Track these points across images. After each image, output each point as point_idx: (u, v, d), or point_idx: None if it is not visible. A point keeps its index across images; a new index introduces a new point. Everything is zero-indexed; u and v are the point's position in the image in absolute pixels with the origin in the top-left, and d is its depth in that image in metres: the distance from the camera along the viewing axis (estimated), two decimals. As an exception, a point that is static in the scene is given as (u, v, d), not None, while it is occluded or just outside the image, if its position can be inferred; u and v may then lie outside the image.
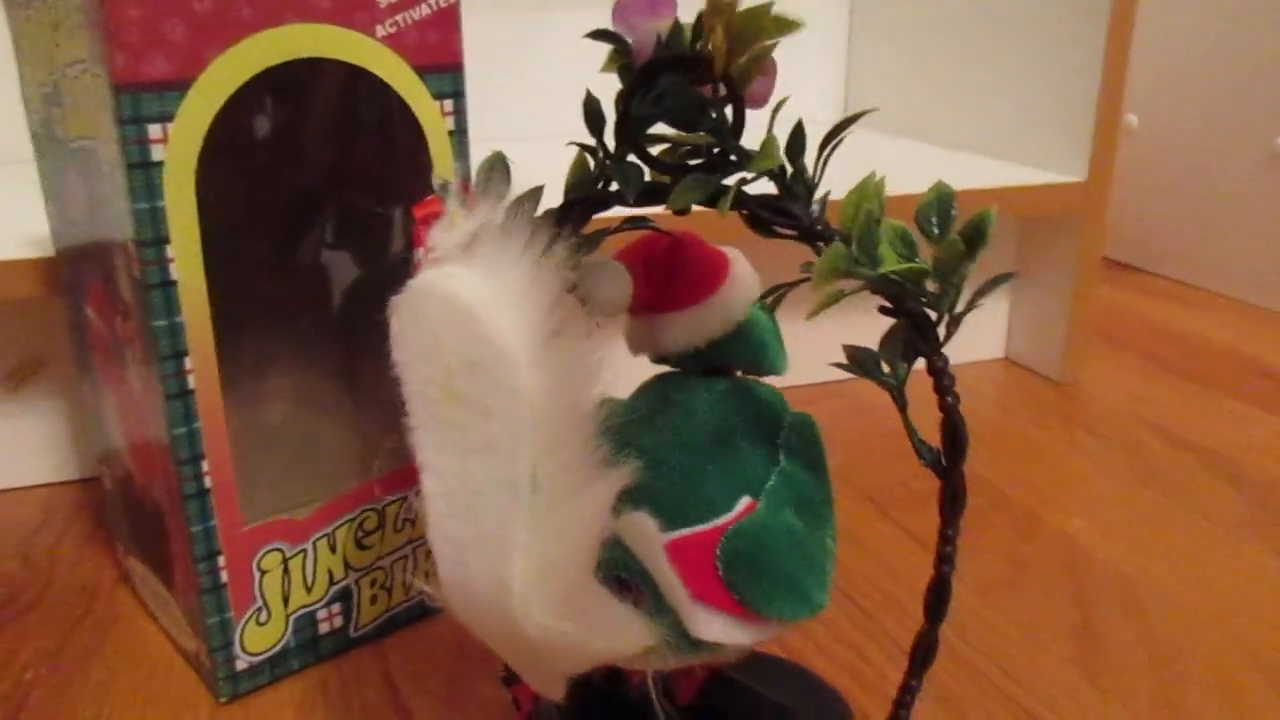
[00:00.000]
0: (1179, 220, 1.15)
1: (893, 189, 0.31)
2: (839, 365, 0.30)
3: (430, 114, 0.45)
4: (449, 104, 0.46)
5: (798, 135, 0.30)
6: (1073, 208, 0.81)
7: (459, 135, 0.47)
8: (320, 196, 0.54)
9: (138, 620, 0.54)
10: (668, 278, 0.36)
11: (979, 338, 0.91)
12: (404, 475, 0.51)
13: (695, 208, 0.30)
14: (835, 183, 0.31)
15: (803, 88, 1.05)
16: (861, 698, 0.47)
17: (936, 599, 0.33)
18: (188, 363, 0.42)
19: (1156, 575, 0.58)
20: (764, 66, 0.29)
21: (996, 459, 0.72)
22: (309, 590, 0.49)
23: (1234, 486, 0.68)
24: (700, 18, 0.28)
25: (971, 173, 0.82)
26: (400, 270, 0.30)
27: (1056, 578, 0.58)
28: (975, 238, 0.28)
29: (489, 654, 0.50)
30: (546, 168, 0.34)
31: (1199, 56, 1.09)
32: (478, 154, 0.40)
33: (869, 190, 0.28)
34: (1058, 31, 0.80)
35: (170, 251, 0.40)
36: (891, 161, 0.86)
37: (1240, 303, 1.08)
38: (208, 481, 0.44)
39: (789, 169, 0.30)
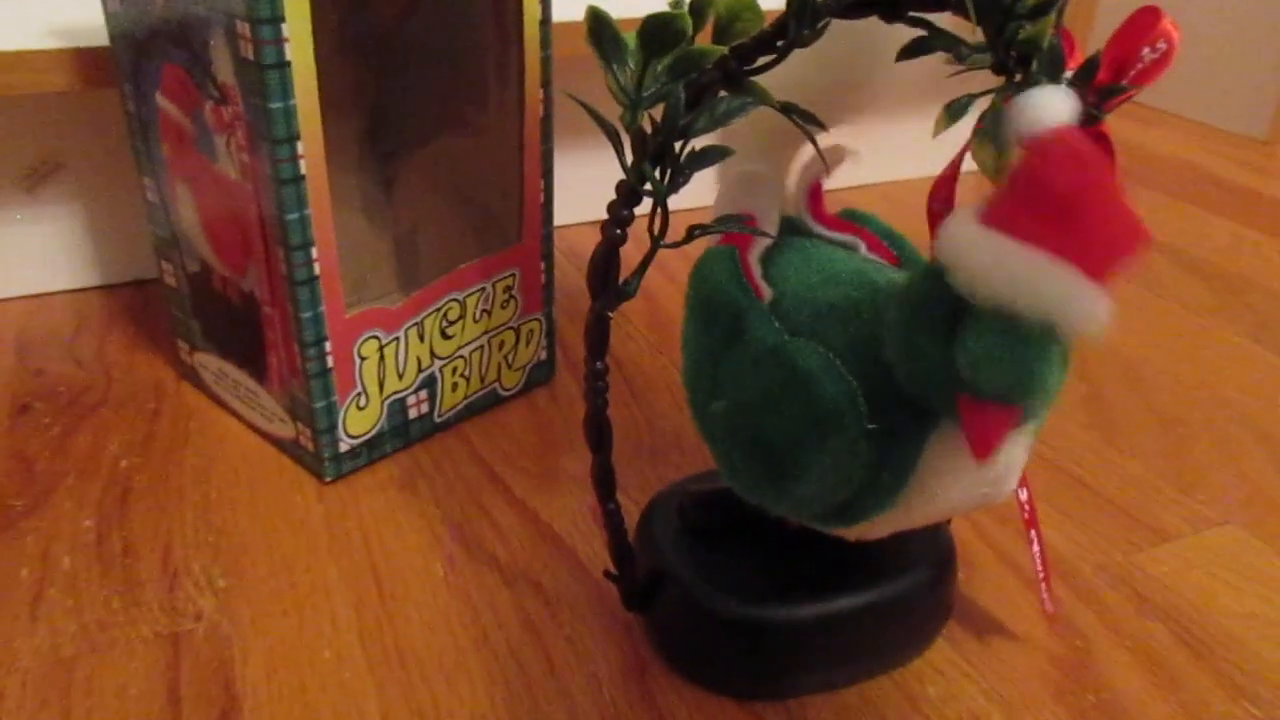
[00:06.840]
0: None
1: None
2: None
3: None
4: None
5: None
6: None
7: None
8: (387, 32, 0.53)
9: (213, 413, 0.55)
10: None
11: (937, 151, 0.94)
12: (482, 268, 0.52)
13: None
14: None
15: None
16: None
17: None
18: (300, 147, 0.42)
19: (1150, 356, 0.64)
20: None
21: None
22: (401, 377, 0.51)
23: (1204, 281, 0.75)
24: None
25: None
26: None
27: (1063, 359, 0.64)
28: None
29: (571, 434, 0.53)
30: None
31: None
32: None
33: None
34: None
35: (286, 31, 0.40)
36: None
37: (1189, 120, 1.14)
38: (317, 269, 0.45)
39: None
